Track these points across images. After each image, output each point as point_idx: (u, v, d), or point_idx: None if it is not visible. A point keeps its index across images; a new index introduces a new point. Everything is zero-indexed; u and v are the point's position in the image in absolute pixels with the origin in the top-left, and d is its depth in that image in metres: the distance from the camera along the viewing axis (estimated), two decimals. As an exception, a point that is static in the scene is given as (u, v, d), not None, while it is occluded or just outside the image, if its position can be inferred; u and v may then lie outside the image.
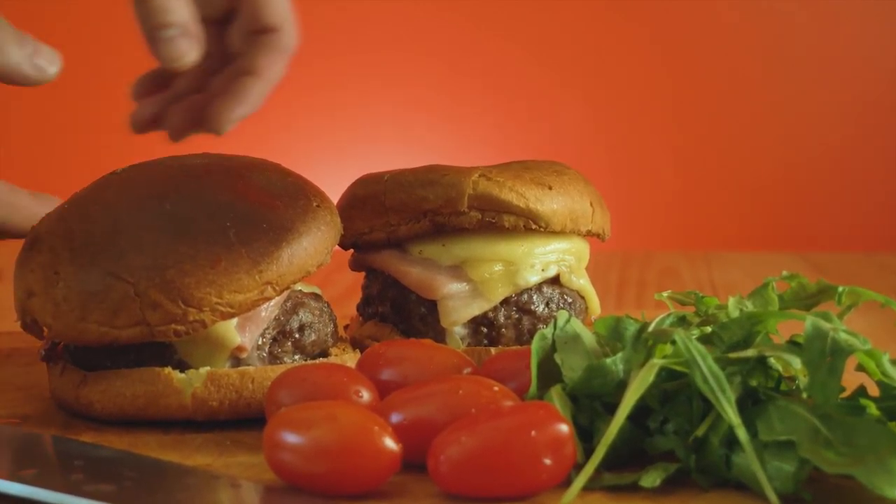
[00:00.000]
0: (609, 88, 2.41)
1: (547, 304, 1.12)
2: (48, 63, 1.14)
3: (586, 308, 1.15)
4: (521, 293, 1.11)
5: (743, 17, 2.43)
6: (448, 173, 1.11)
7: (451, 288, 1.10)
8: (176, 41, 1.16)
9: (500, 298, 1.10)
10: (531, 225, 1.10)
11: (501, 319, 1.10)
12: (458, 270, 1.10)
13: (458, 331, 1.10)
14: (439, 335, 1.11)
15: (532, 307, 1.11)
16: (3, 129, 2.36)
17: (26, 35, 1.15)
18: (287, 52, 1.27)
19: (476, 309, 1.10)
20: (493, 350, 1.10)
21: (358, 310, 1.19)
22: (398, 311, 1.13)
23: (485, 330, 1.10)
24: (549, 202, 1.10)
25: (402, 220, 1.11)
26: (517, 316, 1.11)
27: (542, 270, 1.11)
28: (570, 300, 1.13)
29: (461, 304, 1.10)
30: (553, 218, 1.10)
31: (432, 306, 1.11)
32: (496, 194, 1.09)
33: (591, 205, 1.13)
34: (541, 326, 1.11)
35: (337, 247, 1.06)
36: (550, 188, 1.11)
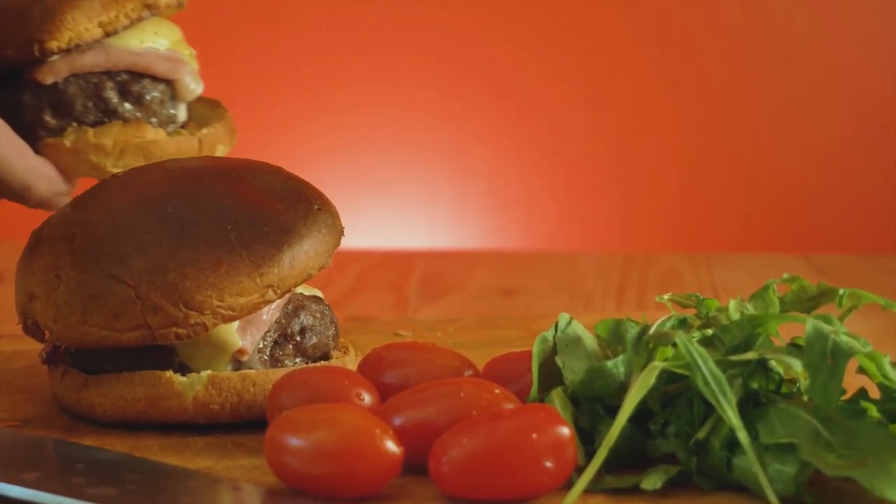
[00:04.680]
0: (609, 89, 2.41)
1: None
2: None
3: None
4: None
5: (744, 17, 2.43)
6: None
7: (186, 65, 1.19)
8: None
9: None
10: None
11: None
12: (171, 51, 1.19)
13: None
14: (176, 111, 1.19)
15: None
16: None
17: (27, 148, 1.13)
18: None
19: (195, 73, 1.20)
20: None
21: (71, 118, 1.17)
22: (137, 100, 1.16)
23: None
24: None
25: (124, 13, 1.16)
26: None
27: None
28: None
29: (192, 78, 1.19)
30: None
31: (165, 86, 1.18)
32: None
33: None
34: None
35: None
36: None
